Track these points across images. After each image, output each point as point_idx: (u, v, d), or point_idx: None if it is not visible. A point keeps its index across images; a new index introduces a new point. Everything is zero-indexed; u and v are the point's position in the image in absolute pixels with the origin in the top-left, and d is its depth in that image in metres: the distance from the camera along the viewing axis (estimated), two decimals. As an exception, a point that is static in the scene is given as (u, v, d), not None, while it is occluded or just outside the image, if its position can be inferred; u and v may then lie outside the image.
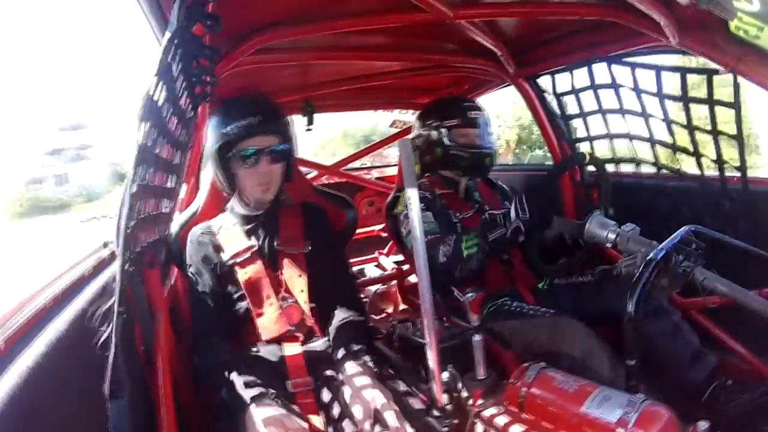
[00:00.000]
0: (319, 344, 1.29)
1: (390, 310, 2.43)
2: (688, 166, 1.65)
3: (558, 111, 1.94)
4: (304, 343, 1.28)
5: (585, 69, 1.72)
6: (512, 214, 1.52)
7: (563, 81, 1.86)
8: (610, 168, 1.85)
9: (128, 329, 0.88)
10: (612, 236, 1.33)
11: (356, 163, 2.88)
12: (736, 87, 1.31)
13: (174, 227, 1.44)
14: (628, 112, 1.69)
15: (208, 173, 1.51)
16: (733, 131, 1.41)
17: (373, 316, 2.27)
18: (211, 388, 1.14)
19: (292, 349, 1.25)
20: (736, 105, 1.35)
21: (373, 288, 2.43)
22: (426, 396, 1.18)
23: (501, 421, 1.10)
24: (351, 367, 1.16)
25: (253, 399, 1.05)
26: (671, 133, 1.60)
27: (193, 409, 1.23)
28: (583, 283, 1.60)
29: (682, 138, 1.60)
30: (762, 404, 1.22)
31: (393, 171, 2.78)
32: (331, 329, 1.30)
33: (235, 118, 1.30)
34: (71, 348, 0.77)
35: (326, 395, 1.17)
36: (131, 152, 0.77)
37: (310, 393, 1.17)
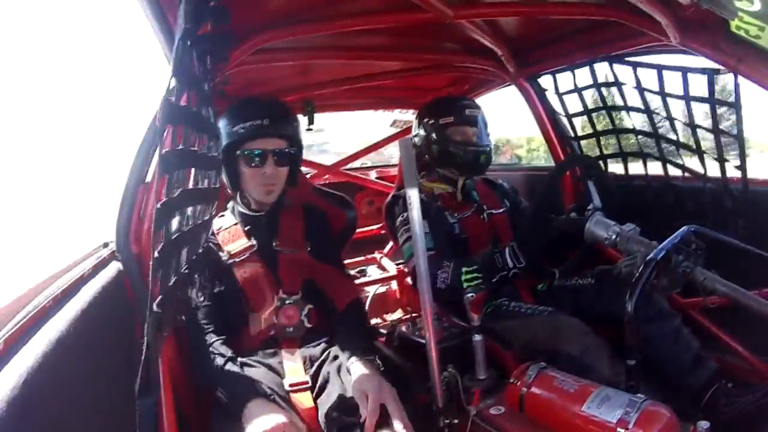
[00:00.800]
0: (317, 345, 1.29)
1: (390, 310, 2.43)
2: (689, 165, 1.64)
3: (560, 110, 1.94)
4: (301, 343, 1.28)
5: (585, 68, 1.72)
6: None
7: (563, 80, 1.86)
8: (615, 167, 1.86)
9: (161, 329, 0.89)
10: (612, 236, 1.33)
11: (356, 163, 2.87)
12: (737, 87, 1.31)
13: None
14: (631, 109, 1.69)
15: None
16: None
17: (374, 316, 2.27)
18: (209, 388, 1.14)
19: (290, 349, 1.25)
20: (736, 105, 1.35)
21: (373, 288, 2.42)
22: (426, 396, 1.18)
23: (501, 421, 1.10)
24: (356, 362, 1.15)
25: (250, 398, 1.06)
26: (674, 131, 1.60)
27: (193, 409, 1.23)
28: (583, 285, 1.59)
29: (685, 137, 1.60)
30: (762, 406, 1.22)
31: (393, 170, 2.78)
32: (331, 330, 1.30)
33: (244, 118, 1.31)
34: (71, 348, 0.77)
35: (324, 394, 1.16)
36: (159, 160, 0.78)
37: (307, 392, 1.17)
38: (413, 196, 1.07)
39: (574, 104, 1.88)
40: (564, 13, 1.40)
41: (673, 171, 1.69)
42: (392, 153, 3.22)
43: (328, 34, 1.44)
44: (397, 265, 2.49)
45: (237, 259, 1.33)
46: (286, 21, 1.35)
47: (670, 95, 1.52)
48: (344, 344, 1.23)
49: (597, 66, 1.69)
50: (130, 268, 1.15)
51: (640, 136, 1.75)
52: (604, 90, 1.75)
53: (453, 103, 1.82)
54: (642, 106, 1.65)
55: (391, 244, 2.62)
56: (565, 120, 1.95)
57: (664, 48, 1.39)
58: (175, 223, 0.88)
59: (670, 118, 1.58)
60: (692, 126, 1.52)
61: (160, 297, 0.81)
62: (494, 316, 1.52)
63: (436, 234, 1.62)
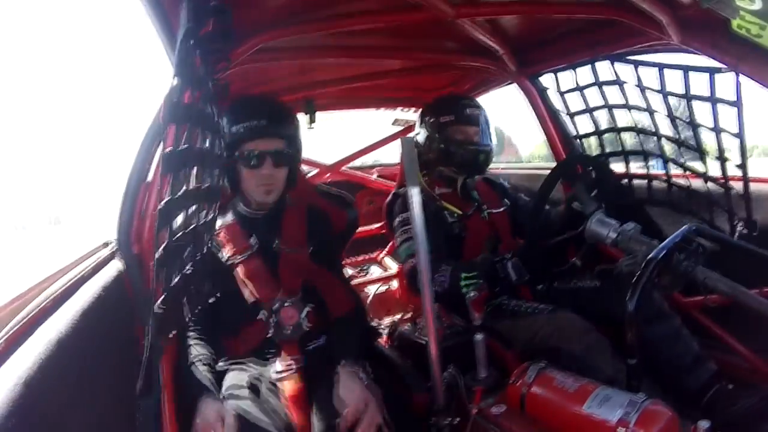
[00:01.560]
0: (317, 345, 1.29)
1: (391, 309, 2.42)
2: (690, 164, 1.64)
3: (562, 109, 1.94)
4: (301, 344, 1.28)
5: (586, 67, 1.72)
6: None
7: (564, 79, 1.86)
8: (615, 166, 1.85)
9: (163, 330, 0.89)
10: (613, 235, 1.33)
11: (357, 162, 2.86)
12: (738, 86, 1.30)
13: None
14: (633, 107, 1.69)
15: None
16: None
17: (374, 316, 2.27)
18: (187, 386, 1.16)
19: (289, 350, 1.25)
20: (737, 104, 1.35)
21: (373, 288, 2.42)
22: (427, 395, 1.18)
23: (502, 420, 1.10)
24: (345, 369, 1.16)
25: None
26: (676, 130, 1.59)
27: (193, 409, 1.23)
28: (583, 284, 1.59)
29: (686, 136, 1.60)
30: (763, 406, 1.22)
31: (394, 170, 2.78)
32: (330, 330, 1.30)
33: (243, 119, 1.30)
34: (71, 348, 0.77)
35: (319, 394, 1.17)
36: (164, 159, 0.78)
37: (294, 375, 1.19)
38: (414, 195, 1.07)
39: (575, 103, 1.88)
40: (565, 12, 1.40)
41: (674, 170, 1.69)
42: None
43: (328, 33, 1.44)
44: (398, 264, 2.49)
45: (236, 260, 1.33)
46: (287, 20, 1.35)
47: (672, 94, 1.52)
48: (336, 349, 1.24)
49: (598, 65, 1.69)
50: (131, 268, 1.15)
51: (641, 135, 1.75)
52: (605, 89, 1.75)
53: (454, 102, 1.82)
54: (643, 105, 1.65)
55: (391, 243, 2.62)
56: (566, 119, 1.95)
57: (665, 47, 1.39)
58: (178, 223, 0.88)
59: (672, 117, 1.58)
60: (693, 125, 1.52)
61: (162, 297, 0.81)
62: (495, 315, 1.52)
63: (434, 235, 1.62)
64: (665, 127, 1.64)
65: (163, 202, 0.78)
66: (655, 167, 1.76)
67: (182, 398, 1.11)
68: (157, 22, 1.13)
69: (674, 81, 1.50)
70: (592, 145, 1.96)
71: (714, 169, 1.52)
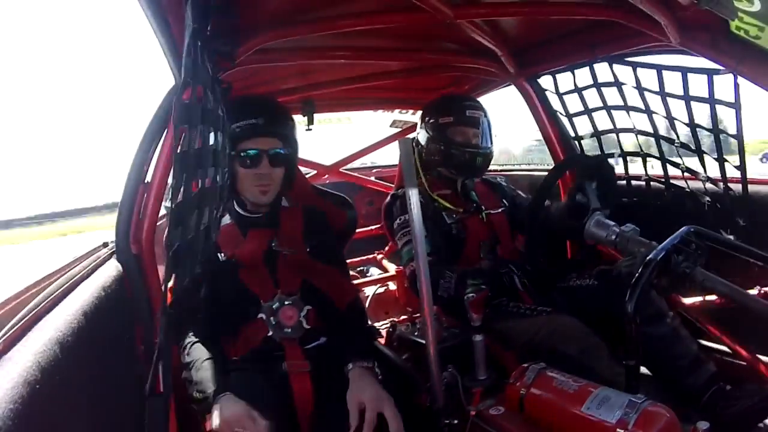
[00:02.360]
0: (317, 345, 1.29)
1: (390, 310, 2.42)
2: (689, 165, 1.64)
3: (561, 110, 1.94)
4: (301, 344, 1.28)
5: (585, 69, 1.72)
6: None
7: (563, 80, 1.86)
8: (615, 168, 1.85)
9: (173, 330, 0.89)
10: (612, 236, 1.33)
11: (356, 163, 2.87)
12: (737, 87, 1.31)
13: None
14: (632, 109, 1.69)
15: None
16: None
17: (373, 316, 2.27)
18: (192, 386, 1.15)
19: (292, 350, 1.25)
20: (736, 105, 1.35)
21: (373, 288, 2.42)
22: (426, 396, 1.18)
23: (501, 421, 1.10)
24: (353, 369, 1.16)
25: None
26: (675, 131, 1.60)
27: (193, 409, 1.23)
28: (583, 285, 1.59)
29: (685, 137, 1.60)
30: (762, 407, 1.22)
31: (393, 171, 2.78)
32: (330, 331, 1.30)
33: (239, 118, 1.30)
34: (71, 348, 0.77)
35: (327, 393, 1.17)
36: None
37: (309, 391, 1.17)
38: (413, 196, 1.07)
39: (573, 105, 1.89)
40: (564, 14, 1.40)
41: (673, 171, 1.69)
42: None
43: (328, 34, 1.44)
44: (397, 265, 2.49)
45: (234, 260, 1.32)
46: (287, 21, 1.35)
47: (670, 95, 1.52)
48: (343, 348, 1.23)
49: (597, 66, 1.69)
50: (130, 268, 1.15)
51: (639, 136, 1.75)
52: (604, 90, 1.75)
53: (455, 103, 1.82)
54: (642, 107, 1.65)
55: (391, 244, 2.62)
56: (565, 120, 1.95)
57: (664, 48, 1.39)
58: (190, 223, 0.88)
59: (670, 118, 1.58)
60: (692, 126, 1.52)
61: (173, 298, 0.81)
62: (493, 316, 1.52)
63: (434, 237, 1.62)
64: (664, 129, 1.64)
65: (174, 204, 0.78)
66: (654, 168, 1.77)
67: (184, 398, 1.11)
68: (156, 23, 1.13)
69: (673, 82, 1.51)
70: (591, 147, 1.97)
71: (713, 169, 1.53)
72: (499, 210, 1.81)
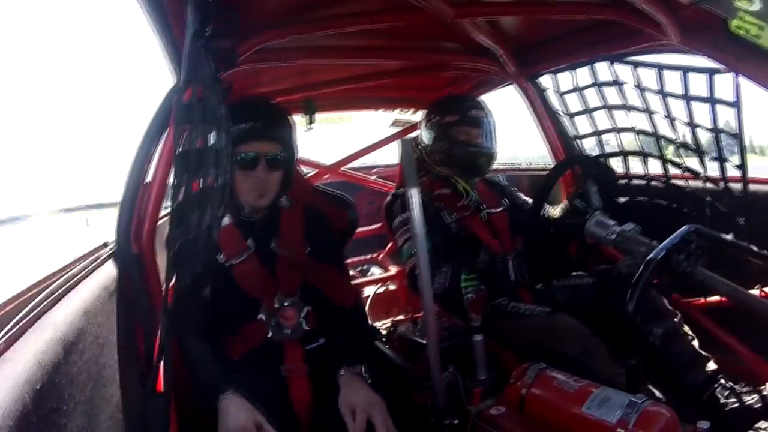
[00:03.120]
0: (317, 346, 1.29)
1: (390, 310, 2.43)
2: (689, 165, 1.65)
3: (560, 110, 1.94)
4: (301, 345, 1.27)
5: (585, 68, 1.72)
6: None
7: (563, 80, 1.86)
8: (614, 167, 1.85)
9: (174, 330, 0.89)
10: (612, 236, 1.33)
11: (357, 163, 2.87)
12: (737, 86, 1.31)
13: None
14: (632, 108, 1.69)
15: None
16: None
17: (374, 316, 2.27)
18: (192, 388, 1.15)
19: (290, 350, 1.25)
20: (736, 104, 1.35)
21: (373, 288, 2.42)
22: (426, 396, 1.18)
23: (501, 421, 1.10)
24: (344, 374, 1.16)
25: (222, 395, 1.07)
26: (674, 130, 1.60)
27: (193, 409, 1.23)
28: (583, 284, 1.59)
29: (685, 137, 1.60)
30: (762, 407, 1.22)
31: (394, 170, 2.78)
32: (330, 331, 1.30)
33: (236, 121, 1.27)
34: (71, 348, 0.77)
35: (323, 396, 1.17)
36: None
37: (307, 393, 1.17)
38: (414, 195, 1.07)
39: (574, 104, 1.89)
40: (564, 13, 1.40)
41: (673, 170, 1.69)
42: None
43: (328, 34, 1.44)
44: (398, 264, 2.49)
45: (233, 261, 1.31)
46: (287, 21, 1.35)
47: (670, 94, 1.52)
48: (337, 350, 1.24)
49: (597, 65, 1.69)
50: (131, 268, 1.15)
51: (640, 136, 1.75)
52: (604, 89, 1.75)
53: (458, 103, 1.82)
54: (642, 106, 1.65)
55: (391, 243, 2.62)
56: (565, 119, 1.95)
57: (664, 47, 1.39)
58: (191, 223, 0.87)
59: (670, 118, 1.58)
60: (692, 125, 1.52)
61: (175, 297, 0.81)
62: (493, 316, 1.52)
63: (432, 235, 1.62)
64: (664, 128, 1.64)
65: (176, 204, 0.78)
66: (654, 167, 1.77)
67: (185, 398, 1.11)
68: (156, 23, 1.13)
69: (673, 82, 1.51)
70: (591, 146, 1.97)
71: (713, 169, 1.53)
72: (500, 209, 1.81)
